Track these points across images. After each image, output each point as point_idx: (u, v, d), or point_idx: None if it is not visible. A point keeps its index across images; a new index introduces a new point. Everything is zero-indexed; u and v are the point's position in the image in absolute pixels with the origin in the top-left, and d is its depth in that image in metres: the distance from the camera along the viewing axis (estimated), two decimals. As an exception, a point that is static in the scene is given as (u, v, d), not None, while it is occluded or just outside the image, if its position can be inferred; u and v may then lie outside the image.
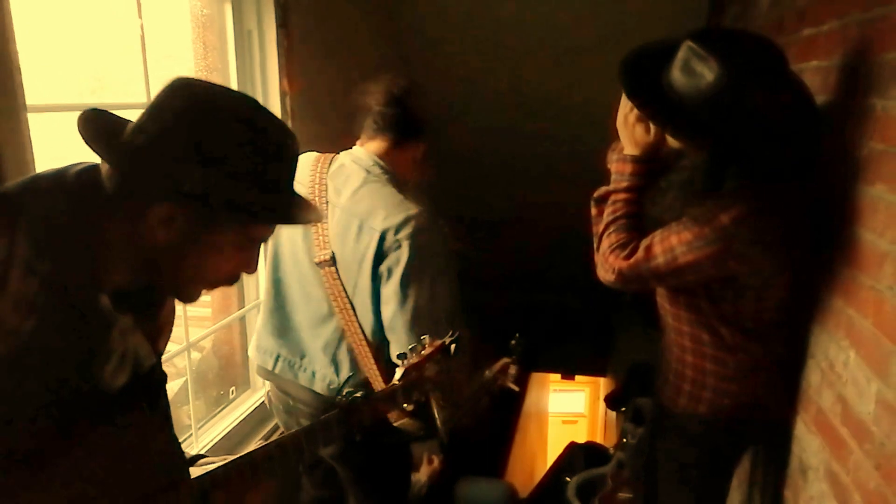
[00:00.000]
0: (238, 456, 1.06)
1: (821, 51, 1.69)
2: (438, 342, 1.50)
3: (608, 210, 1.58)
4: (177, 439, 1.00)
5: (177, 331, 2.10)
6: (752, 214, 1.39)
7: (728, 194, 1.42)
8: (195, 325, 2.21)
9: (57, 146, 1.16)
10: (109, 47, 1.73)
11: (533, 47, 3.13)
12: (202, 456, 1.10)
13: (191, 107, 0.88)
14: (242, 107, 0.91)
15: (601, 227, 1.59)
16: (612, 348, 4.57)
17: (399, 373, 1.41)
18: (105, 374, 0.91)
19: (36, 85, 1.34)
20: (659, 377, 1.80)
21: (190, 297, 0.97)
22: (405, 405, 1.40)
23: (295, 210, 0.98)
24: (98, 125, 0.90)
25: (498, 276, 4.59)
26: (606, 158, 1.69)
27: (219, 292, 2.42)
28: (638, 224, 1.55)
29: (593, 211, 1.64)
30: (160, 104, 0.88)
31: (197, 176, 0.84)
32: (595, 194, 1.65)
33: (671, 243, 1.46)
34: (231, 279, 0.97)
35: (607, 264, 1.55)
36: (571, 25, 2.98)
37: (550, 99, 3.33)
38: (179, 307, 2.05)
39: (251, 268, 0.98)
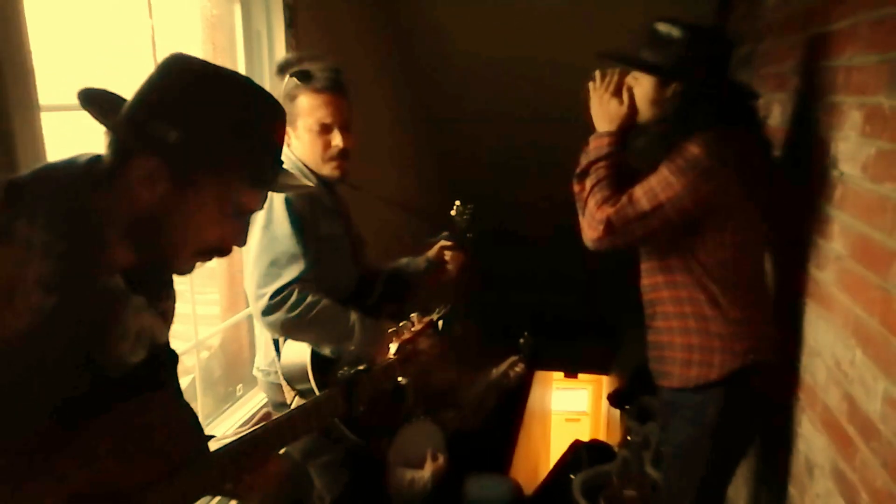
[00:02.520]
0: (251, 430, 1.10)
1: (829, 50, 1.70)
2: (427, 318, 1.58)
3: (591, 178, 1.71)
4: (195, 414, 1.04)
5: (185, 329, 2.13)
6: (718, 141, 1.61)
7: (696, 135, 1.62)
8: (203, 324, 2.23)
9: (69, 144, 1.17)
10: (120, 48, 1.74)
11: (538, 48, 3.13)
12: (212, 437, 1.13)
13: (176, 72, 0.92)
14: (233, 76, 0.96)
15: (586, 194, 1.71)
16: (614, 347, 4.58)
17: (394, 347, 1.47)
18: (123, 351, 0.94)
19: (49, 85, 1.35)
20: (663, 363, 1.83)
21: (183, 267, 0.99)
22: (400, 378, 1.45)
23: (277, 175, 1.00)
24: (99, 95, 0.95)
25: (500, 274, 4.60)
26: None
27: (227, 291, 2.44)
28: (618, 184, 1.69)
29: (576, 188, 1.76)
30: (155, 74, 0.93)
31: (171, 128, 0.88)
32: (577, 170, 1.77)
33: (650, 185, 1.63)
34: (222, 248, 0.99)
35: (594, 221, 1.67)
36: (577, 25, 2.98)
37: (555, 100, 3.33)
38: (187, 305, 2.08)
39: (240, 239, 0.99)
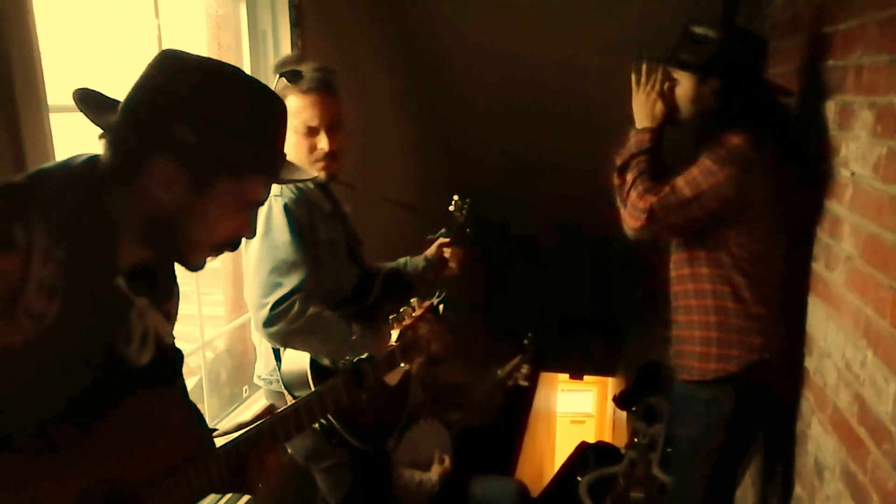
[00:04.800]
0: (255, 423, 1.11)
1: (838, 49, 1.69)
2: (427, 303, 1.59)
3: (632, 171, 1.79)
4: (199, 412, 1.04)
5: (191, 330, 2.12)
6: (757, 138, 1.70)
7: (735, 128, 1.72)
8: (209, 325, 2.22)
9: (77, 145, 1.17)
10: (127, 47, 1.75)
11: (547, 46, 3.12)
12: (213, 430, 1.13)
13: (178, 70, 0.92)
14: (229, 70, 0.96)
15: (628, 186, 1.77)
16: (620, 348, 4.57)
17: (395, 334, 1.49)
18: (131, 353, 0.95)
19: (57, 85, 1.35)
20: (682, 357, 1.87)
21: (196, 264, 1.00)
22: (402, 364, 1.46)
23: (284, 166, 1.01)
24: (93, 96, 0.95)
25: (506, 275, 4.59)
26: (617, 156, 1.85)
27: (231, 293, 2.44)
28: (659, 176, 1.76)
29: (616, 181, 1.81)
30: (148, 72, 0.92)
31: (188, 130, 0.88)
32: (618, 163, 1.82)
33: (693, 174, 1.71)
34: (233, 243, 1.01)
35: (636, 210, 1.74)
36: (586, 24, 2.97)
37: (564, 98, 3.32)
38: (193, 307, 2.07)
39: (250, 231, 1.01)
